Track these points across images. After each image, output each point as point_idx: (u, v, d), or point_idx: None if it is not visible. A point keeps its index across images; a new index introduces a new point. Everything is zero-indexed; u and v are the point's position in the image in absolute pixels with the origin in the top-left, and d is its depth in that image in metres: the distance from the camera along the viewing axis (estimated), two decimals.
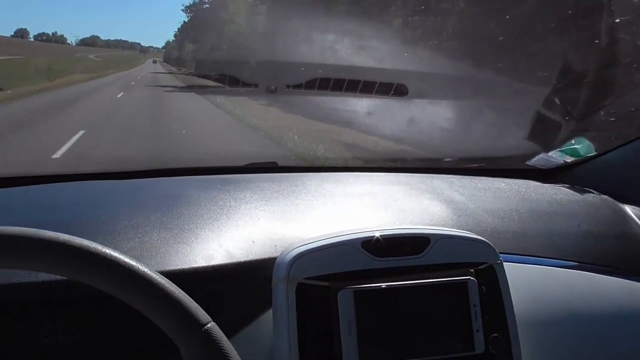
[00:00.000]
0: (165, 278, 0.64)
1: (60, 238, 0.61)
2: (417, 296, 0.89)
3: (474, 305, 0.91)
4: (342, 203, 1.24)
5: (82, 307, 0.86)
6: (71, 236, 0.62)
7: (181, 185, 1.30)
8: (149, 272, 0.63)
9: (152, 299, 0.62)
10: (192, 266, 0.91)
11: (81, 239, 0.62)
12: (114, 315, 0.83)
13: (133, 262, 0.63)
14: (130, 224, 1.00)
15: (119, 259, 0.62)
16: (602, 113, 1.81)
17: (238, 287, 0.93)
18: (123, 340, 0.86)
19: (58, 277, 0.80)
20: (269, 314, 0.89)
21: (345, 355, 0.84)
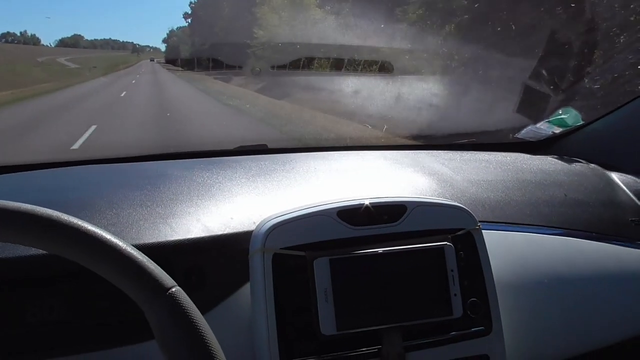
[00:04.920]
0: (129, 244, 0.64)
1: (22, 207, 0.61)
2: (393, 263, 0.89)
3: (452, 270, 0.91)
4: (326, 178, 1.24)
5: (67, 285, 0.86)
6: (34, 206, 0.62)
7: (165, 167, 1.29)
8: (112, 238, 0.63)
9: (116, 264, 0.62)
10: (167, 239, 0.91)
11: (44, 208, 0.62)
12: (99, 293, 0.84)
13: (95, 228, 0.63)
14: (109, 201, 1.00)
15: (81, 225, 0.62)
16: (587, 81, 1.81)
17: (217, 261, 0.93)
18: (109, 318, 0.87)
19: (36, 252, 0.81)
20: (248, 286, 0.90)
21: (322, 323, 0.85)
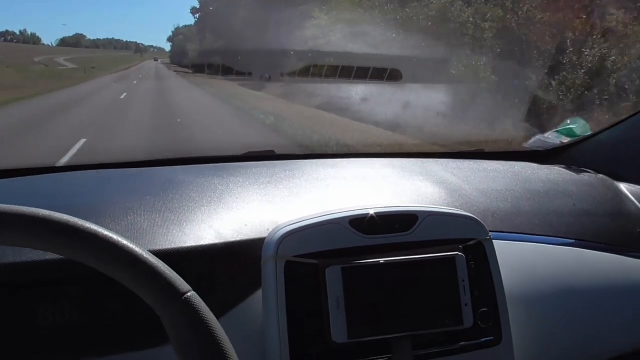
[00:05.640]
0: (145, 249, 0.65)
1: (40, 213, 0.62)
2: (405, 272, 0.90)
3: (462, 280, 0.92)
4: (336, 186, 1.25)
5: (78, 288, 0.87)
6: (50, 211, 0.63)
7: (176, 172, 1.30)
8: (127, 243, 0.64)
9: (131, 269, 0.63)
10: (180, 246, 0.92)
11: (61, 214, 0.63)
12: (110, 295, 0.84)
13: (112, 234, 0.64)
14: (122, 207, 1.01)
15: (98, 231, 0.63)
16: (596, 91, 1.82)
17: (229, 267, 0.94)
18: (120, 320, 0.87)
19: (49, 256, 0.82)
20: (259, 293, 0.91)
21: (334, 331, 0.85)
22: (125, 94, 13.59)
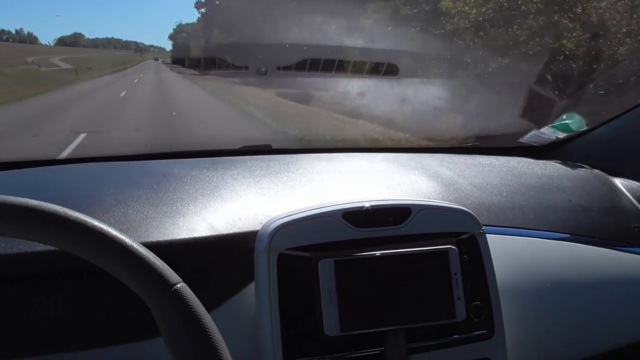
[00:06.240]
0: (135, 241, 0.64)
1: (30, 203, 0.62)
2: (398, 265, 0.90)
3: (455, 274, 0.92)
4: (331, 180, 1.25)
5: (72, 282, 0.86)
6: (41, 202, 0.63)
7: (171, 166, 1.30)
8: (118, 234, 0.63)
9: (122, 260, 0.62)
10: (173, 238, 0.92)
11: (52, 204, 0.63)
12: (104, 289, 0.85)
13: (103, 225, 0.63)
14: (116, 200, 1.01)
15: (88, 222, 0.63)
16: (591, 87, 1.82)
17: (222, 260, 0.93)
18: (114, 315, 0.87)
19: (41, 249, 0.81)
20: (252, 286, 0.91)
21: (326, 324, 0.85)
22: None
